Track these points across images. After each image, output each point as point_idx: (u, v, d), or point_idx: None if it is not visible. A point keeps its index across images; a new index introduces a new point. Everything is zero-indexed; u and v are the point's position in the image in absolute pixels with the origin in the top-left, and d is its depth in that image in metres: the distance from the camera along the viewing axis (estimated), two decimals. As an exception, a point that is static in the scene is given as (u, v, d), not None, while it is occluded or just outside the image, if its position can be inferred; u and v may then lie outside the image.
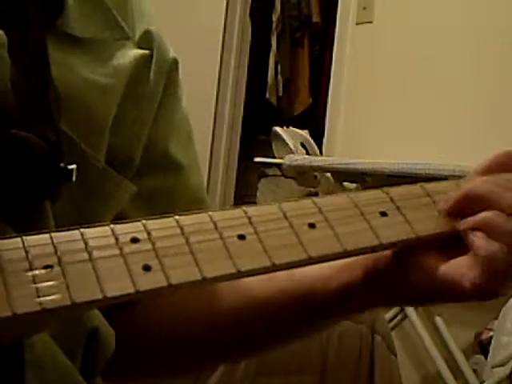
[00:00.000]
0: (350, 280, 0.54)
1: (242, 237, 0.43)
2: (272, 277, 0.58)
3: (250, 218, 0.44)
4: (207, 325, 0.63)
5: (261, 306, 0.60)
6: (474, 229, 0.48)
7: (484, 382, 1.98)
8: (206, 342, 0.63)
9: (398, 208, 0.49)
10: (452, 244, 0.50)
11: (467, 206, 0.49)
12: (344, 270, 0.55)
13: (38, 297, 0.37)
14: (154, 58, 0.64)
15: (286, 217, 0.45)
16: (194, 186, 0.68)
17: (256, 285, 0.60)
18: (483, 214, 0.48)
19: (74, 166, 0.51)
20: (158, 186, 0.65)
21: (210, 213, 0.44)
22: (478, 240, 0.48)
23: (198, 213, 0.44)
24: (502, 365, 1.91)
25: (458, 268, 0.49)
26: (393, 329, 2.18)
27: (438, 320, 2.20)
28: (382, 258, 0.52)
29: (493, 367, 1.94)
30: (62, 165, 0.51)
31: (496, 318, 2.03)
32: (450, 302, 0.52)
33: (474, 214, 0.49)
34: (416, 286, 0.51)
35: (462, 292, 0.48)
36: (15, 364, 0.49)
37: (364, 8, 2.65)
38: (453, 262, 0.49)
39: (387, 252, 0.52)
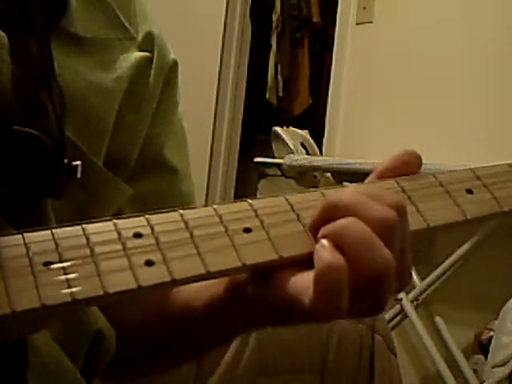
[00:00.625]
0: (216, 294, 0.51)
1: (247, 230, 0.43)
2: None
3: (255, 211, 0.44)
4: (163, 320, 0.61)
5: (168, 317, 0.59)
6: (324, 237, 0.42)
7: (484, 382, 1.98)
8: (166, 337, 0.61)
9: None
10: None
11: (332, 217, 0.42)
12: (215, 284, 0.51)
13: (39, 294, 0.36)
14: (155, 61, 0.64)
15: (293, 209, 0.45)
16: (186, 191, 0.68)
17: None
18: (338, 221, 0.42)
19: (78, 162, 0.51)
20: (153, 188, 0.65)
21: (214, 206, 0.43)
22: (320, 249, 0.41)
23: (203, 206, 0.44)
24: (501, 365, 1.91)
25: (302, 282, 0.42)
26: (393, 329, 2.18)
27: (438, 320, 2.20)
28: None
29: (493, 367, 1.94)
30: (65, 161, 0.50)
31: (496, 318, 2.02)
32: (299, 322, 0.46)
33: None
34: (267, 302, 0.45)
35: (303, 310, 0.41)
36: (18, 366, 0.49)
37: (364, 8, 2.65)
38: (299, 275, 0.42)
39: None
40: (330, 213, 0.43)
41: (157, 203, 0.64)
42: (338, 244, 0.41)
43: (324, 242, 0.41)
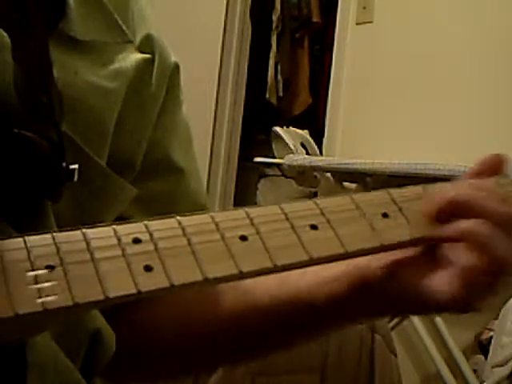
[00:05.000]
0: (338, 291, 0.54)
1: (243, 238, 0.43)
2: (265, 283, 0.58)
3: (251, 219, 0.44)
4: (209, 328, 0.63)
5: (258, 313, 0.60)
6: (455, 238, 0.47)
7: (484, 381, 1.98)
8: (206, 344, 0.63)
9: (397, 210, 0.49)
10: (425, 255, 0.49)
11: (451, 212, 0.47)
12: (331, 281, 0.54)
13: (40, 297, 0.37)
14: (156, 62, 0.64)
15: (287, 218, 0.45)
16: (193, 190, 0.68)
17: (256, 289, 0.60)
18: (466, 223, 0.46)
19: (75, 166, 0.52)
20: (159, 189, 0.65)
21: (211, 214, 0.44)
22: (459, 251, 0.46)
23: (200, 214, 0.44)
24: (501, 365, 1.91)
25: (437, 281, 0.47)
26: (393, 329, 2.18)
27: (438, 320, 2.20)
28: (368, 270, 0.52)
29: (493, 367, 1.94)
30: (63, 164, 0.51)
31: (496, 318, 2.03)
32: (427, 313, 0.51)
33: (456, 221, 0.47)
34: (395, 297, 0.50)
35: (437, 305, 0.47)
36: (17, 366, 0.49)
37: (364, 8, 2.65)
38: (429, 273, 0.47)
39: (373, 264, 0.51)
40: (453, 208, 0.47)
41: (165, 204, 0.64)
42: (471, 245, 0.46)
43: (460, 244, 0.46)
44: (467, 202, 0.47)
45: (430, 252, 0.49)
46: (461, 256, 0.46)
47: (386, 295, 0.51)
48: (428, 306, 0.48)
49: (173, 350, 0.63)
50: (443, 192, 0.49)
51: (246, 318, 0.61)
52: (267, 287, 0.59)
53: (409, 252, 0.50)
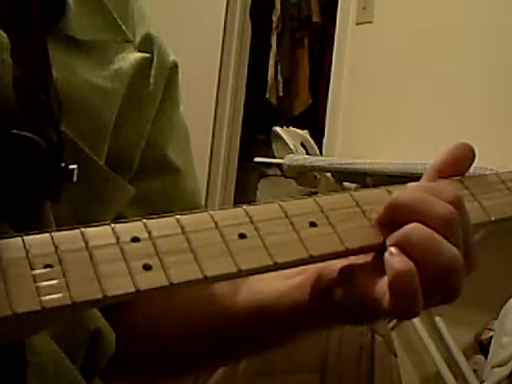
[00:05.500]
0: (302, 299, 0.53)
1: (242, 236, 0.43)
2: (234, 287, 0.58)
3: (251, 217, 0.44)
4: (205, 326, 0.62)
5: (232, 320, 0.60)
6: (393, 244, 0.45)
7: (484, 381, 1.98)
8: (203, 343, 0.63)
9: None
10: (375, 260, 0.47)
11: (395, 216, 0.46)
12: (296, 288, 0.53)
13: (39, 296, 0.37)
14: (155, 62, 0.64)
15: (287, 216, 0.45)
16: (190, 190, 0.68)
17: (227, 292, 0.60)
18: (402, 229, 0.45)
19: (74, 166, 0.52)
20: (156, 188, 0.65)
21: (210, 212, 0.44)
22: (389, 257, 0.44)
23: (199, 212, 0.44)
24: (501, 365, 1.91)
25: (379, 287, 0.45)
26: (393, 329, 2.18)
27: (438, 320, 2.20)
28: (328, 277, 0.50)
29: (493, 367, 1.94)
30: (62, 165, 0.51)
31: (496, 318, 2.02)
32: (379, 319, 0.49)
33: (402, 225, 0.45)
34: (352, 305, 0.48)
35: (385, 311, 0.45)
36: (17, 365, 0.49)
37: (364, 8, 2.65)
38: (376, 281, 0.46)
39: (333, 270, 0.50)
40: (394, 211, 0.46)
41: (161, 204, 0.64)
42: (406, 249, 0.44)
43: (392, 249, 0.45)
44: (405, 206, 0.46)
45: (379, 257, 0.47)
46: (396, 262, 0.44)
47: (342, 302, 0.49)
48: (380, 313, 0.46)
49: (171, 350, 0.63)
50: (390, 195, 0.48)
51: (221, 322, 0.61)
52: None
53: (362, 258, 0.48)
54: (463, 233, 0.46)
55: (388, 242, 0.45)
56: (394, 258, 0.44)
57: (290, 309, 0.54)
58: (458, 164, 0.52)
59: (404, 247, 0.44)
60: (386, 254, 0.45)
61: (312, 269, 0.52)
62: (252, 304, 0.57)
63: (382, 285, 0.45)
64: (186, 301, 0.62)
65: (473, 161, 0.52)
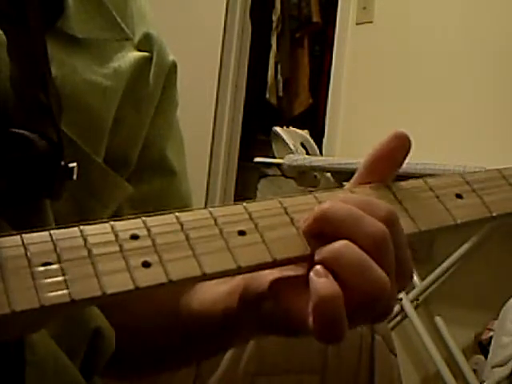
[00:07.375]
0: (230, 305, 0.51)
1: (242, 232, 0.43)
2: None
3: (250, 214, 0.44)
4: (168, 321, 0.62)
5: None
6: (319, 261, 0.42)
7: (484, 381, 1.98)
8: (171, 338, 0.62)
9: None
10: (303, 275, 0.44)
11: (324, 229, 0.43)
12: (227, 294, 0.52)
13: (38, 294, 0.37)
14: (154, 61, 0.64)
15: (286, 212, 0.45)
16: (185, 192, 0.68)
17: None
18: (332, 246, 0.42)
19: (74, 164, 0.52)
20: (153, 188, 0.65)
21: (210, 209, 0.44)
22: (314, 279, 0.41)
23: (198, 209, 0.44)
24: (501, 365, 1.91)
25: (305, 308, 0.42)
26: (393, 329, 2.18)
27: (438, 320, 2.20)
28: (256, 290, 0.48)
29: (493, 367, 1.94)
30: (62, 163, 0.51)
31: (496, 318, 2.02)
32: (306, 336, 0.45)
33: (332, 238, 0.42)
34: (279, 320, 0.46)
35: (311, 332, 0.42)
36: (16, 364, 0.49)
37: (364, 8, 2.65)
38: (302, 299, 0.43)
39: (261, 283, 0.47)
40: (322, 224, 0.43)
41: (158, 204, 0.64)
42: (334, 269, 0.41)
43: (318, 268, 0.42)
44: (335, 220, 0.43)
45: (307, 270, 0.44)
46: (320, 285, 0.41)
47: (269, 316, 0.47)
48: (305, 331, 0.43)
49: (153, 346, 0.63)
50: (320, 202, 0.45)
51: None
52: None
53: (291, 270, 0.45)
54: (396, 250, 0.43)
55: (316, 257, 0.42)
56: (320, 280, 0.41)
57: (222, 315, 0.53)
58: (392, 154, 0.49)
59: (332, 266, 0.41)
60: (312, 274, 0.41)
61: (238, 280, 0.51)
62: (196, 305, 0.57)
63: (308, 304, 0.42)
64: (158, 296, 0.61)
65: (409, 149, 0.50)
